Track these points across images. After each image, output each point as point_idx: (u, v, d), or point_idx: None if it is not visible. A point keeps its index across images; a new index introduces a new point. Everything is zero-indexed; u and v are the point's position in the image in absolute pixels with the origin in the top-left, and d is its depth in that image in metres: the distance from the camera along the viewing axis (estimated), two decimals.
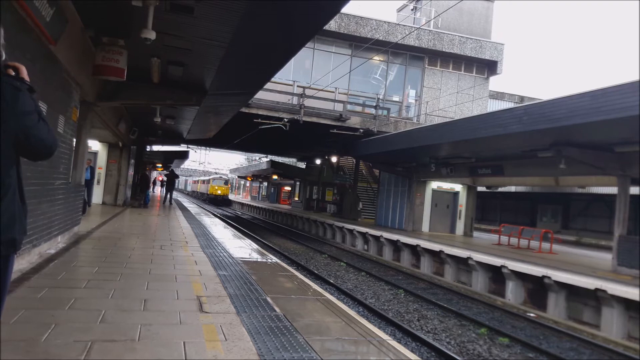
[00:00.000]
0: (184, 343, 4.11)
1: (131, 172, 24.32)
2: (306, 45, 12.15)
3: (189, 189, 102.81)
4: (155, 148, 37.34)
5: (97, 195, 21.06)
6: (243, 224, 30.31)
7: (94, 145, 20.55)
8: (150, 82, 11.59)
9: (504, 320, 11.16)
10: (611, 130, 11.52)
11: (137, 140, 22.77)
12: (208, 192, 65.18)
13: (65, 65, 7.83)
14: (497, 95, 36.41)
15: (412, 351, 5.49)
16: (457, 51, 26.79)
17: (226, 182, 66.55)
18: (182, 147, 39.81)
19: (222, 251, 10.10)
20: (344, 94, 24.92)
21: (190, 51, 9.39)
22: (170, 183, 28.05)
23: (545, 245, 18.60)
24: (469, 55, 27.00)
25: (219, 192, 63.40)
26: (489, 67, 27.72)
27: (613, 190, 14.95)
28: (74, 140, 9.66)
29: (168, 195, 28.16)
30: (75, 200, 10.14)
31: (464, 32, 27.44)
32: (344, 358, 4.40)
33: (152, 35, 7.07)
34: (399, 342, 5.61)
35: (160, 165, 39.10)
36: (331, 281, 13.31)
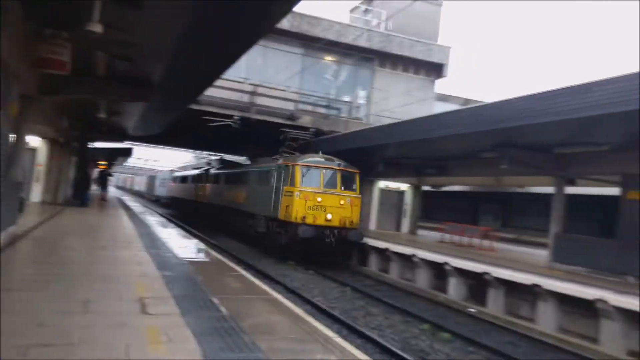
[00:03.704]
0: (126, 345, 4.05)
1: (73, 169, 23.44)
2: (258, 43, 12.09)
3: (185, 194, 38.31)
4: (99, 145, 36.08)
5: (37, 193, 20.17)
6: (189, 223, 29.68)
7: (34, 141, 19.64)
8: (96, 76, 11.24)
9: (446, 316, 11.53)
10: (550, 132, 12.10)
11: (79, 136, 21.95)
12: (298, 220, 16.12)
13: (4, 57, 7.47)
14: (443, 98, 37.45)
15: (357, 348, 5.61)
16: (406, 54, 27.31)
17: (347, 178, 17.65)
18: (126, 144, 38.61)
19: (167, 251, 9.94)
20: (296, 93, 24.93)
21: (138, 46, 9.17)
22: (103, 181, 30.57)
23: (487, 242, 19.30)
24: (418, 58, 27.59)
25: (330, 216, 16.63)
26: (436, 70, 28.44)
27: (550, 189, 15.70)
28: (11, 135, 9.22)
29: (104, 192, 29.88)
30: (11, 199, 9.67)
31: (413, 35, 28.02)
32: (291, 357, 4.46)
33: (97, 28, 6.87)
34: (345, 340, 5.71)
35: (104, 162, 37.79)
36: (279, 280, 13.32)
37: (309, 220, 16.10)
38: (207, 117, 21.92)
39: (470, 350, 8.85)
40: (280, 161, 18.70)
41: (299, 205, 16.15)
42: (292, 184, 16.62)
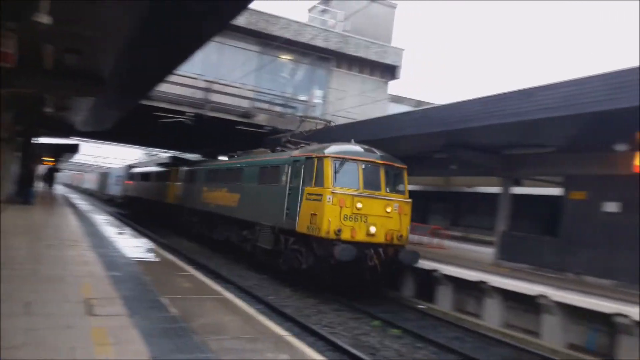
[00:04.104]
0: (71, 348, 3.96)
1: (17, 165, 22.47)
2: (214, 39, 11.95)
3: (147, 194, 32.17)
4: (45, 140, 34.70)
5: None
6: (139, 222, 28.90)
7: None
8: (44, 69, 10.81)
9: (396, 312, 11.73)
10: (498, 134, 12.57)
11: (24, 131, 21.05)
12: (330, 235, 11.38)
13: None
14: (397, 99, 38.12)
15: (309, 346, 5.67)
16: (362, 55, 27.67)
17: (393, 176, 12.97)
18: (73, 140, 37.25)
19: (115, 251, 9.71)
20: (252, 90, 24.79)
21: (89, 39, 8.90)
22: (50, 178, 30.28)
23: (436, 240, 19.76)
24: (373, 59, 28.00)
25: (373, 229, 11.87)
26: (390, 71, 28.92)
27: (497, 189, 16.30)
28: None
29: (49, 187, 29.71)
30: None
31: (368, 36, 28.40)
32: (242, 357, 4.46)
33: (46, 19, 6.64)
34: (297, 338, 5.76)
35: (50, 159, 36.29)
36: (232, 280, 13.17)
37: (346, 236, 11.41)
38: (158, 114, 21.49)
39: (418, 346, 9.08)
40: (297, 152, 13.81)
41: (332, 214, 11.40)
42: (320, 183, 11.92)
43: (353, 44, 27.43)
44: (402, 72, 31.25)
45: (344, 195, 11.55)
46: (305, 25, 26.62)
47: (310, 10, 32.11)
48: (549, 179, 15.77)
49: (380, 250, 11.84)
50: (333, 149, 12.47)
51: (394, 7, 30.36)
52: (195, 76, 23.14)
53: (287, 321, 9.49)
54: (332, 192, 11.48)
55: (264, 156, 16.37)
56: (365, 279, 12.23)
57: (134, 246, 10.91)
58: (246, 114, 23.10)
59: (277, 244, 13.58)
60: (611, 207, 12.09)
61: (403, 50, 28.75)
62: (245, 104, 23.51)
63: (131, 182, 39.11)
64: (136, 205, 35.65)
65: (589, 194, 12.73)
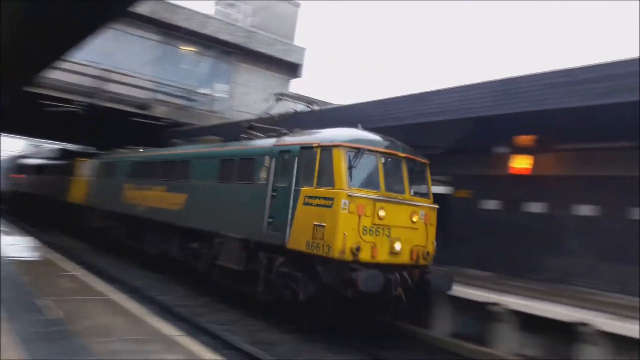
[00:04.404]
0: None
1: None
2: (111, 26, 11.29)
3: (44, 190, 27.22)
4: None
5: None
6: (23, 218, 26.65)
7: None
8: None
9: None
10: (393, 135, 13.19)
11: None
12: (346, 254, 8.11)
13: None
14: (298, 97, 38.74)
15: (203, 344, 5.62)
16: (266, 51, 27.70)
17: (416, 173, 9.78)
18: None
19: None
20: (150, 81, 23.83)
21: None
22: None
23: None
24: (277, 56, 28.15)
25: (398, 245, 8.67)
26: (293, 69, 29.27)
27: None
28: None
29: None
30: None
31: (273, 34, 28.53)
32: (130, 359, 4.35)
33: None
34: (190, 337, 5.67)
35: None
36: (122, 279, 12.53)
37: (365, 255, 8.35)
38: (46, 102, 19.98)
39: (312, 339, 9.33)
40: (288, 139, 10.26)
41: (349, 226, 8.27)
42: (327, 182, 8.76)
43: (258, 40, 27.40)
44: (305, 72, 31.78)
45: (363, 200, 8.48)
46: (210, 17, 26.13)
47: (216, 3, 31.57)
48: (438, 178, 16.82)
49: (405, 273, 8.87)
50: (344, 134, 9.26)
51: (297, 6, 30.78)
52: (89, 63, 21.79)
53: (180, 321, 9.29)
54: (349, 196, 8.34)
55: (228, 145, 12.80)
56: (388, 313, 9.37)
57: (12, 244, 10.09)
58: (142, 105, 22.14)
59: (251, 264, 10.18)
60: (490, 204, 13.22)
61: (305, 49, 29.28)
62: (142, 94, 22.54)
63: (20, 175, 34.08)
64: (24, 202, 30.86)
65: (473, 193, 13.80)
